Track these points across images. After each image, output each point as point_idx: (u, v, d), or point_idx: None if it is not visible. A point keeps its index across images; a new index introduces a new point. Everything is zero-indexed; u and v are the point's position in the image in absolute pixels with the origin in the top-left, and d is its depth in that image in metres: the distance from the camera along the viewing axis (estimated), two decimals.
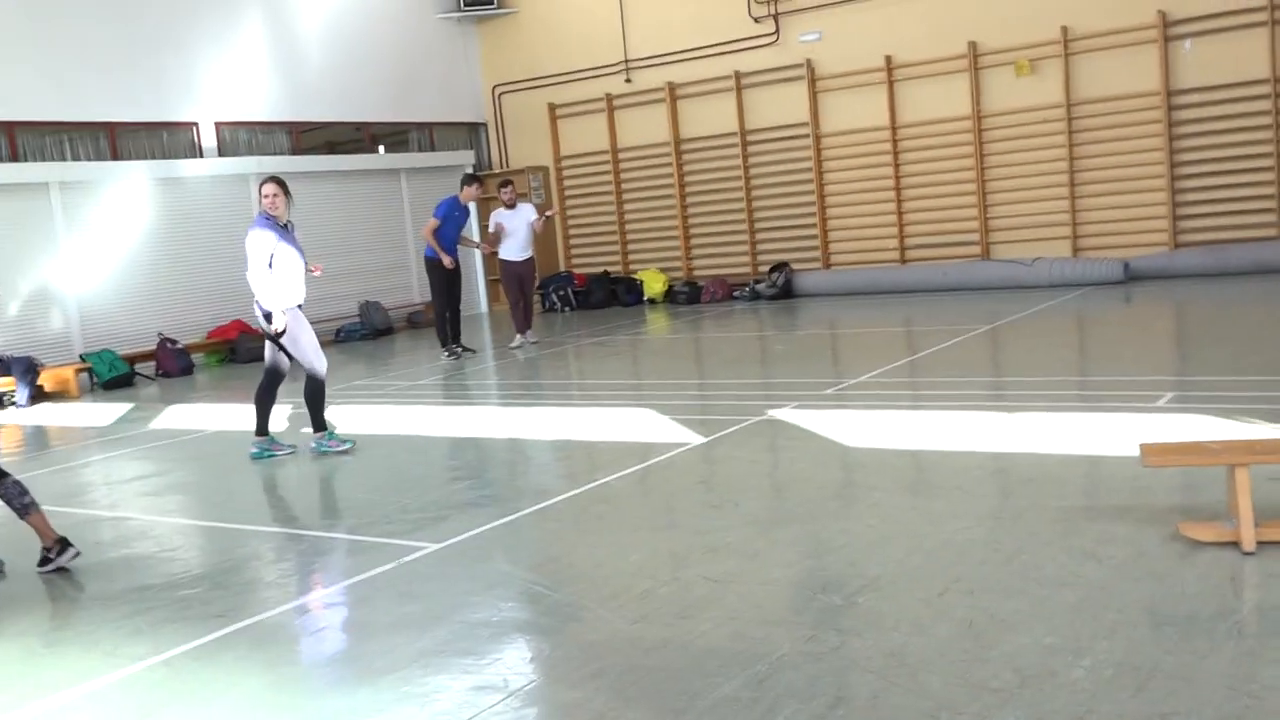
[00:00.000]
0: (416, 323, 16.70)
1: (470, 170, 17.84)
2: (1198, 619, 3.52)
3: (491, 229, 12.92)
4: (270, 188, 7.47)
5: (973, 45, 15.06)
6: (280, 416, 8.24)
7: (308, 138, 16.70)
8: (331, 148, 17.28)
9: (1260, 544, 4.00)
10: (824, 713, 3.09)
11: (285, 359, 7.61)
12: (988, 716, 2.97)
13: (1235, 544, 4.03)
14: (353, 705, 3.50)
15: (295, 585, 4.95)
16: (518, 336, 12.88)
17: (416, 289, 17.02)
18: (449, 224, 12.43)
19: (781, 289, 15.78)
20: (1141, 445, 4.39)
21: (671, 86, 17.37)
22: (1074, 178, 14.76)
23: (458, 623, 4.12)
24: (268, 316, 7.42)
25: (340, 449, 7.61)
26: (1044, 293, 13.31)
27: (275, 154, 15.90)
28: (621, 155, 18.10)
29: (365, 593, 4.67)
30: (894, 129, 15.80)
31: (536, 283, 15.10)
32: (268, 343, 7.65)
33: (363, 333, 15.76)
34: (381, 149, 17.53)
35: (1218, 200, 14.01)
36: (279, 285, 7.38)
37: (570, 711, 3.37)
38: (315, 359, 7.54)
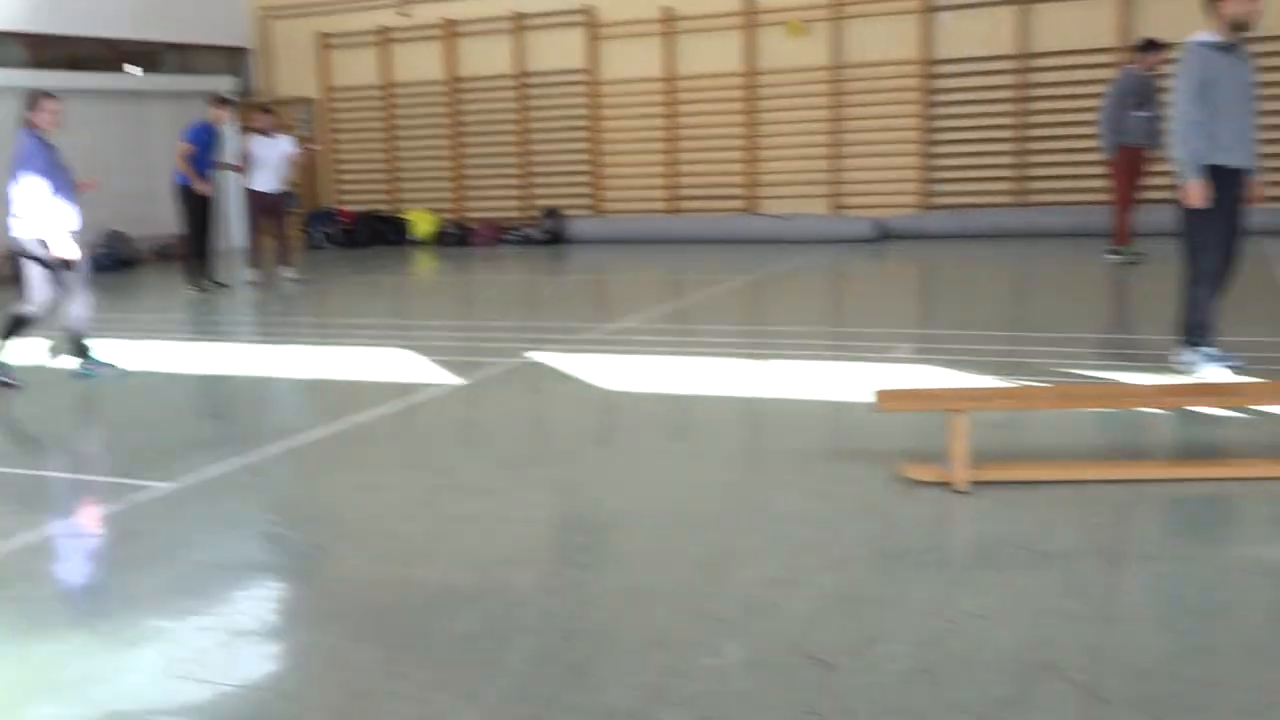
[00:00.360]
0: (166, 255, 15.79)
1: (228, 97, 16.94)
2: (911, 553, 3.75)
3: (242, 155, 12.32)
4: (56, 104, 7.05)
5: (749, 2, 15.36)
6: (32, 349, 7.65)
7: (49, 52, 15.42)
8: (76, 64, 16.02)
9: (973, 484, 4.29)
10: (555, 645, 3.13)
11: (48, 293, 7.10)
12: (711, 645, 3.08)
13: (951, 484, 4.30)
14: (69, 650, 3.30)
15: (12, 526, 4.61)
16: (250, 270, 12.29)
17: (167, 219, 16.08)
18: (203, 149, 11.79)
19: (552, 234, 15.78)
20: (876, 391, 4.63)
21: (449, 24, 16.97)
22: (836, 139, 15.33)
23: (188, 563, 3.94)
24: (42, 244, 6.96)
25: (106, 369, 7.32)
26: (803, 248, 13.81)
27: (9, 66, 14.61)
28: (395, 92, 17.59)
29: (90, 533, 4.41)
30: (670, 81, 15.97)
31: (299, 218, 14.53)
32: (33, 272, 7.11)
33: (108, 264, 14.79)
34: (133, 69, 16.40)
35: (965, 167, 14.86)
36: (51, 212, 6.93)
37: (300, 653, 3.29)
38: (81, 287, 7.21)
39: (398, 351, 7.84)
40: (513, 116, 16.92)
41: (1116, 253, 11.20)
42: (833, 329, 8.79)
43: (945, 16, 14.64)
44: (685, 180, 16.16)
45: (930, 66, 14.76)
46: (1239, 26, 5.80)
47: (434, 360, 7.42)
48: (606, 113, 16.45)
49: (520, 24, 16.61)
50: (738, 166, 15.83)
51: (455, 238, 16.36)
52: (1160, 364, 6.27)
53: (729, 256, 13.35)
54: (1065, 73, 14.09)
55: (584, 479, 4.80)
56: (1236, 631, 3.12)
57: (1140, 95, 10.81)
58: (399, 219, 16.98)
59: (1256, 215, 11.74)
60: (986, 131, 14.68)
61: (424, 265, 14.53)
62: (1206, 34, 5.85)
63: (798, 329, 8.37)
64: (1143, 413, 5.41)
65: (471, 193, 17.35)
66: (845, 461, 4.78)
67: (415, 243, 16.63)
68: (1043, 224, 13.90)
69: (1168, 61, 10.01)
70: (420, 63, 17.34)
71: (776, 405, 5.97)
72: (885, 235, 14.41)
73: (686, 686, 2.86)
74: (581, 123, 16.56)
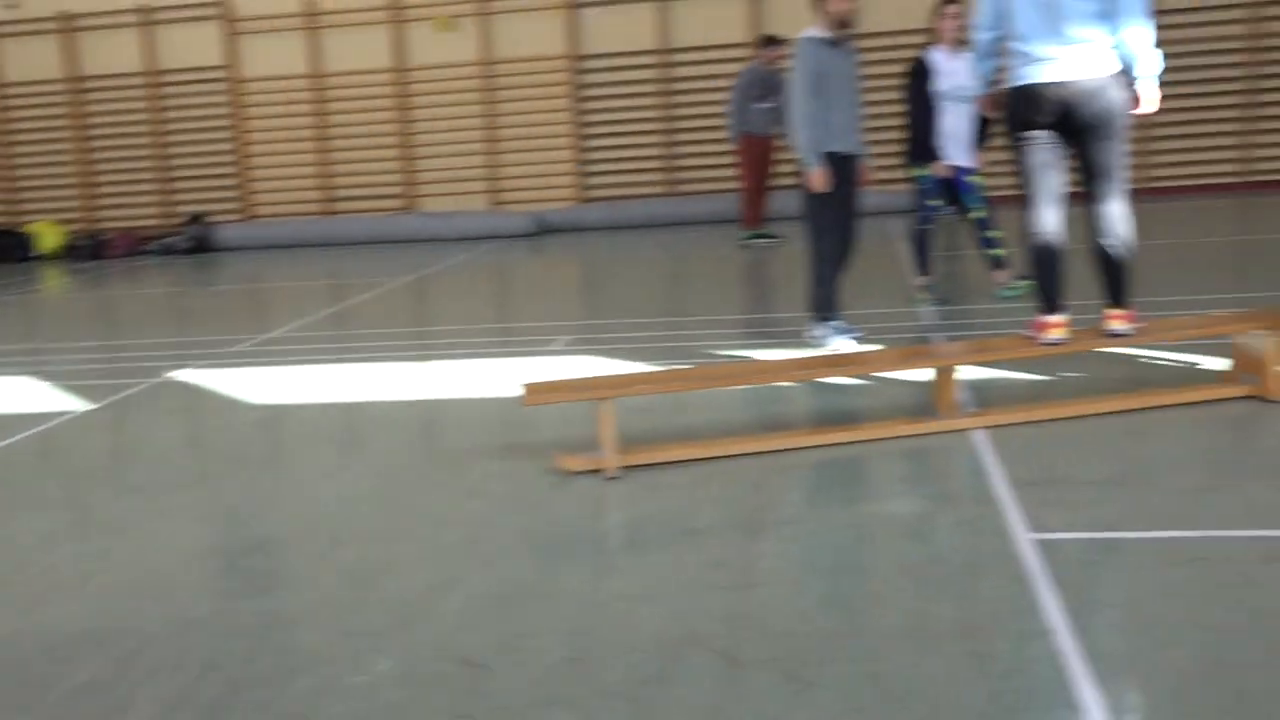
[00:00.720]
0: None
1: None
2: (563, 542, 3.79)
3: None
4: None
5: None
6: None
7: None
8: None
9: (624, 469, 4.40)
10: (191, 683, 2.92)
11: None
12: (359, 661, 2.98)
13: (603, 471, 4.39)
14: None
15: None
16: None
17: None
18: None
19: (199, 242, 14.92)
20: (524, 385, 4.65)
21: (66, 17, 15.64)
22: (491, 134, 15.37)
23: None
24: None
25: None
26: (463, 245, 13.77)
27: None
28: (6, 93, 16.02)
29: None
30: (317, 78, 15.46)
31: None
32: None
33: None
34: None
35: (617, 159, 15.31)
36: None
37: None
38: None
39: (19, 380, 7.13)
40: (146, 117, 15.84)
41: (762, 236, 11.93)
42: (494, 325, 8.80)
43: (589, 13, 14.99)
44: (340, 180, 15.72)
45: (578, 62, 15.08)
46: (843, 23, 6.25)
47: (62, 386, 6.81)
48: (251, 111, 15.73)
49: (148, 18, 15.57)
50: (394, 165, 15.57)
51: (88, 250, 15.14)
52: (796, 339, 6.70)
53: (390, 257, 13.09)
54: (704, 67, 14.80)
55: (231, 501, 4.54)
56: (863, 584, 3.36)
57: (763, 88, 11.56)
58: (20, 233, 15.49)
59: (876, 198, 12.84)
60: (635, 124, 15.19)
61: (51, 282, 13.32)
62: (816, 30, 6.27)
63: (459, 327, 8.31)
64: (781, 386, 5.76)
65: (104, 201, 16.12)
66: (501, 458, 4.78)
67: (41, 258, 15.23)
68: (692, 211, 14.56)
69: (786, 56, 10.73)
70: (34, 60, 15.90)
71: (435, 407, 5.89)
72: (545, 229, 14.61)
73: (332, 708, 2.75)
74: (224, 123, 15.75)
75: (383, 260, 12.86)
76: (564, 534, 3.88)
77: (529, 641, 3.03)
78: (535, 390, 4.57)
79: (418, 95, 15.46)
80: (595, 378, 4.74)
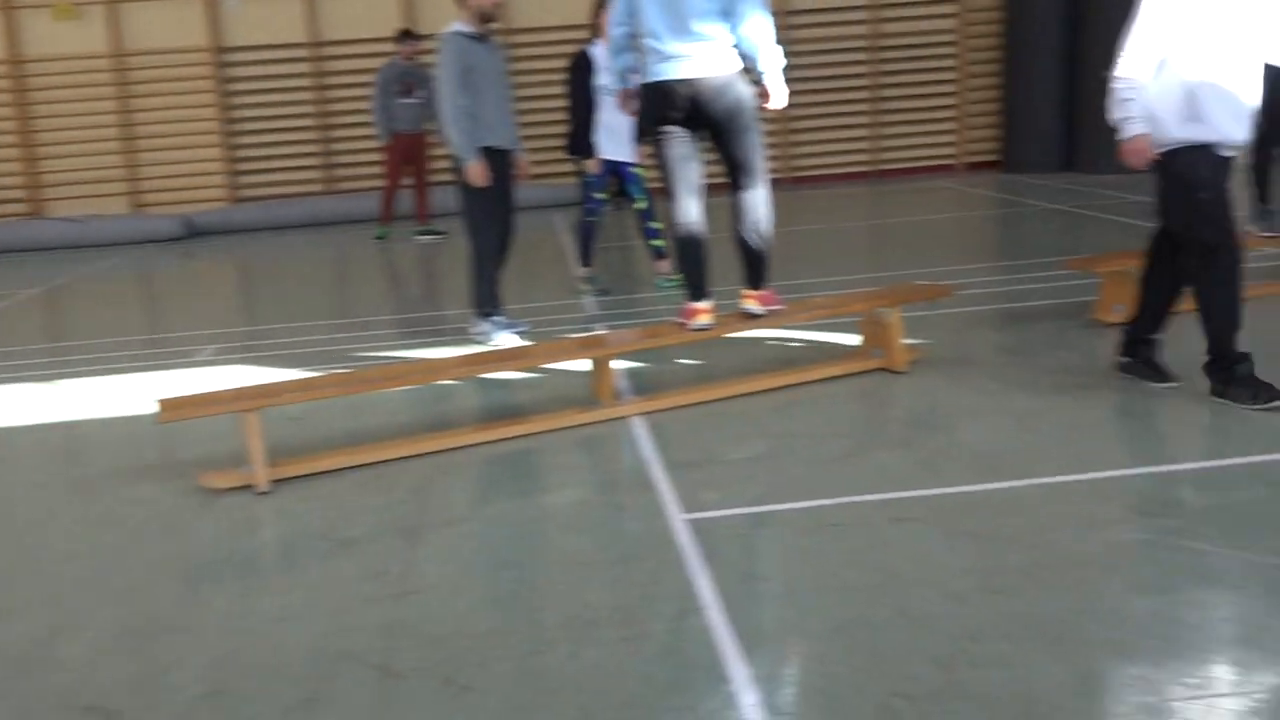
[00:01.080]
0: None
1: None
2: (209, 566, 3.54)
3: None
4: None
5: None
6: None
7: None
8: None
9: (275, 483, 4.18)
10: None
11: None
12: None
13: (253, 486, 4.15)
14: None
15: None
16: None
17: None
18: None
19: None
20: (158, 400, 4.31)
21: None
22: (128, 131, 14.30)
23: None
24: None
25: None
26: (102, 251, 12.74)
27: None
28: None
29: None
30: None
31: None
32: None
33: None
34: None
35: (271, 157, 14.63)
36: None
37: None
38: None
39: None
40: None
41: (428, 232, 11.77)
42: (135, 337, 8.16)
43: (231, 2, 14.23)
44: None
45: (222, 54, 14.28)
46: (487, 18, 6.22)
47: None
48: None
49: None
50: (15, 166, 14.17)
51: None
52: (460, 336, 6.62)
53: (15, 267, 11.90)
54: (358, 60, 14.38)
55: None
56: (525, 579, 3.33)
57: (404, 83, 11.46)
58: None
59: (541, 191, 12.94)
60: (289, 120, 14.57)
61: None
62: (461, 24, 6.20)
63: (95, 341, 7.65)
64: (446, 385, 5.67)
65: None
66: (135, 481, 4.42)
67: None
68: (352, 210, 14.10)
69: (425, 51, 10.64)
70: None
71: (66, 430, 5.38)
72: (195, 232, 13.76)
73: None
74: None
75: (6, 272, 11.66)
76: (208, 557, 3.62)
77: (166, 678, 2.80)
78: (170, 406, 4.25)
79: (38, 89, 14.12)
80: (239, 388, 4.47)
